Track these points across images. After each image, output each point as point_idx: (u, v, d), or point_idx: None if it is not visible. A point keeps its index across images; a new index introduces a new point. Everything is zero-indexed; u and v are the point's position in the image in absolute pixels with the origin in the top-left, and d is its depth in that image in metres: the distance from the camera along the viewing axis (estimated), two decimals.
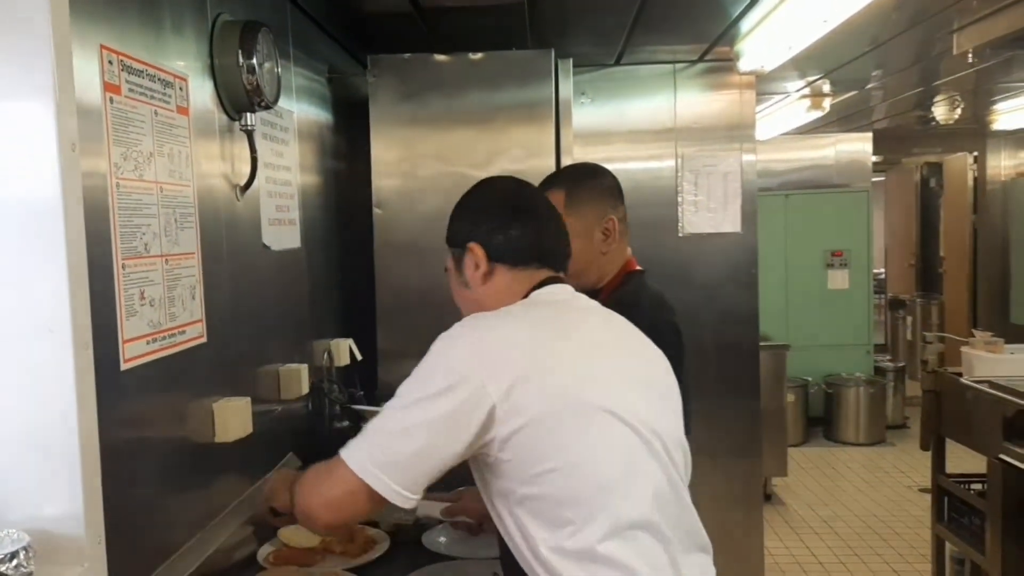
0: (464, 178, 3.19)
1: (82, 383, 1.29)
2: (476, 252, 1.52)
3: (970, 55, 3.30)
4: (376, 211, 3.18)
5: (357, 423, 2.76)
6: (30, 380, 1.27)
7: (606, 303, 2.02)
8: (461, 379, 1.31)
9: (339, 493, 1.35)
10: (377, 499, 1.32)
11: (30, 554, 1.21)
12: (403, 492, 1.31)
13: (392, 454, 1.32)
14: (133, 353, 1.50)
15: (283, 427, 2.42)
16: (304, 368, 2.41)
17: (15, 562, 1.18)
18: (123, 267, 1.48)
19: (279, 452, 2.38)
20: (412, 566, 1.89)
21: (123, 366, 1.47)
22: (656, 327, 1.94)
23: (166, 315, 1.64)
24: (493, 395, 1.29)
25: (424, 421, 1.31)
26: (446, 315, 3.11)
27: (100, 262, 1.40)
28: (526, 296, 1.50)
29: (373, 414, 2.74)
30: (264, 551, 2.00)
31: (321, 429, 2.70)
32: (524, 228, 1.54)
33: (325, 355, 2.71)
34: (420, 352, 3.11)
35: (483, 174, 3.13)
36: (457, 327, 1.42)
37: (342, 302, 3.22)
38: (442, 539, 2.03)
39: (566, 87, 3.26)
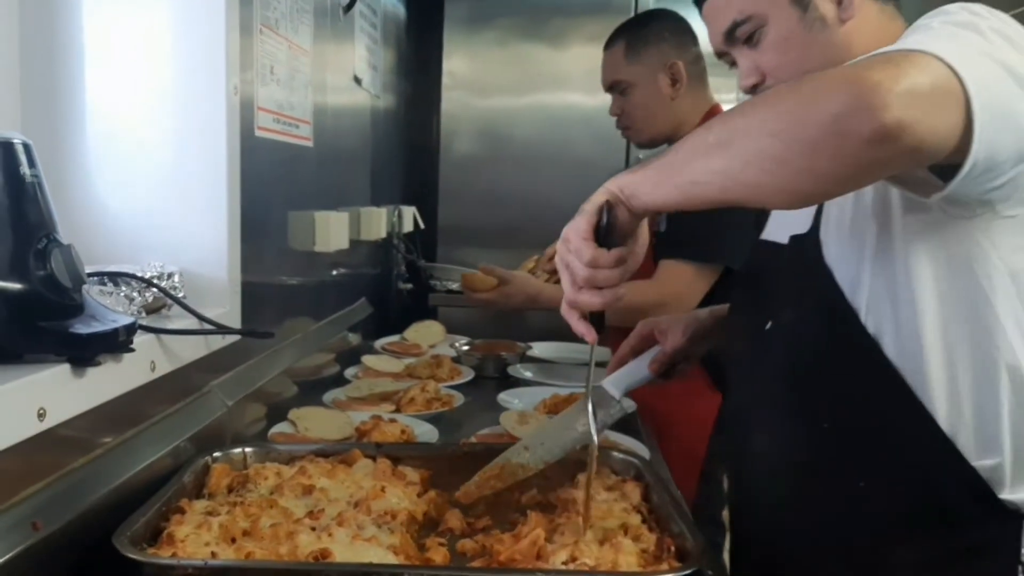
0: (535, 63, 3.17)
1: (231, 122, 1.28)
2: None
3: None
4: (445, 79, 3.15)
5: (426, 282, 2.78)
6: (185, 116, 1.26)
7: None
8: None
9: (926, 83, 0.76)
10: (959, 137, 0.78)
11: (184, 277, 1.21)
12: (978, 148, 0.79)
13: (988, 79, 0.80)
14: (263, 123, 1.49)
15: (360, 268, 2.42)
16: (384, 212, 2.40)
17: (171, 280, 1.19)
18: (260, 32, 1.46)
19: (355, 292, 2.38)
20: (498, 390, 1.89)
21: (256, 132, 1.46)
22: None
23: (287, 102, 1.63)
24: None
25: (1016, 75, 0.82)
26: (509, 196, 3.20)
27: (245, 22, 1.38)
28: None
29: (444, 271, 2.78)
30: (352, 370, 2.00)
31: (389, 284, 2.71)
32: None
33: (396, 213, 2.70)
34: (480, 228, 3.19)
35: (553, 51, 3.19)
36: None
37: (407, 171, 3.21)
38: (528, 373, 2.04)
39: None
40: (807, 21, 1.05)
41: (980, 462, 0.92)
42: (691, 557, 0.93)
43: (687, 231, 1.90)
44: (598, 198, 0.93)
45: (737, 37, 1.09)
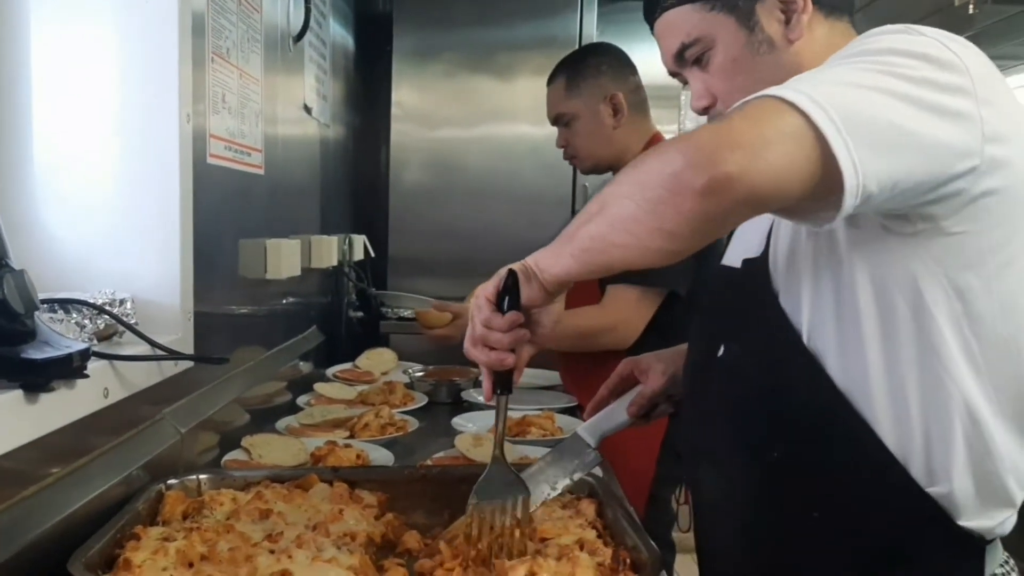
0: (483, 95, 3.22)
1: (184, 149, 1.29)
2: None
3: (971, 6, 3.40)
4: (394, 111, 3.18)
5: (377, 310, 2.78)
6: (137, 145, 1.27)
7: None
8: (962, 87, 0.82)
9: (771, 133, 0.78)
10: (816, 174, 0.78)
11: (135, 305, 1.21)
12: (861, 180, 0.77)
13: (860, 108, 0.79)
14: (215, 151, 1.50)
15: (311, 296, 2.42)
16: (335, 240, 2.41)
17: (123, 307, 1.18)
18: (212, 60, 1.47)
19: (306, 320, 2.37)
20: (451, 415, 1.90)
21: (209, 159, 1.46)
22: None
23: (238, 130, 1.63)
24: (988, 128, 0.82)
25: (910, 96, 0.80)
26: (459, 225, 3.23)
27: (197, 51, 1.39)
28: None
29: (395, 298, 2.79)
30: (304, 398, 1.99)
31: (340, 312, 2.71)
32: None
33: (346, 242, 2.71)
34: (430, 257, 3.20)
35: (501, 83, 3.24)
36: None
37: (356, 200, 3.23)
38: (481, 398, 2.05)
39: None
40: (753, 44, 1.04)
41: (933, 488, 0.90)
42: (646, 569, 0.96)
43: None
44: (513, 266, 0.97)
45: (686, 59, 1.09)
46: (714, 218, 0.81)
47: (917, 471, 0.90)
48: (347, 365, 2.38)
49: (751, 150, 0.77)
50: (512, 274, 0.96)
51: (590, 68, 2.06)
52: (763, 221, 1.03)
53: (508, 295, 0.96)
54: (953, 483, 0.89)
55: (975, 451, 0.89)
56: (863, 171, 0.77)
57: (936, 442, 0.89)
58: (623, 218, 0.84)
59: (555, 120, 2.12)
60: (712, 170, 0.76)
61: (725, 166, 0.76)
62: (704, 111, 1.10)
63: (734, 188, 0.77)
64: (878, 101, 0.80)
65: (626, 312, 1.89)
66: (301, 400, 1.98)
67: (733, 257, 1.13)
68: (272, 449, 1.50)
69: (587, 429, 1.24)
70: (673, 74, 1.14)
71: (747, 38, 1.04)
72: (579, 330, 1.89)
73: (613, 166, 2.10)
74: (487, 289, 0.98)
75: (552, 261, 0.93)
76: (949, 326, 0.88)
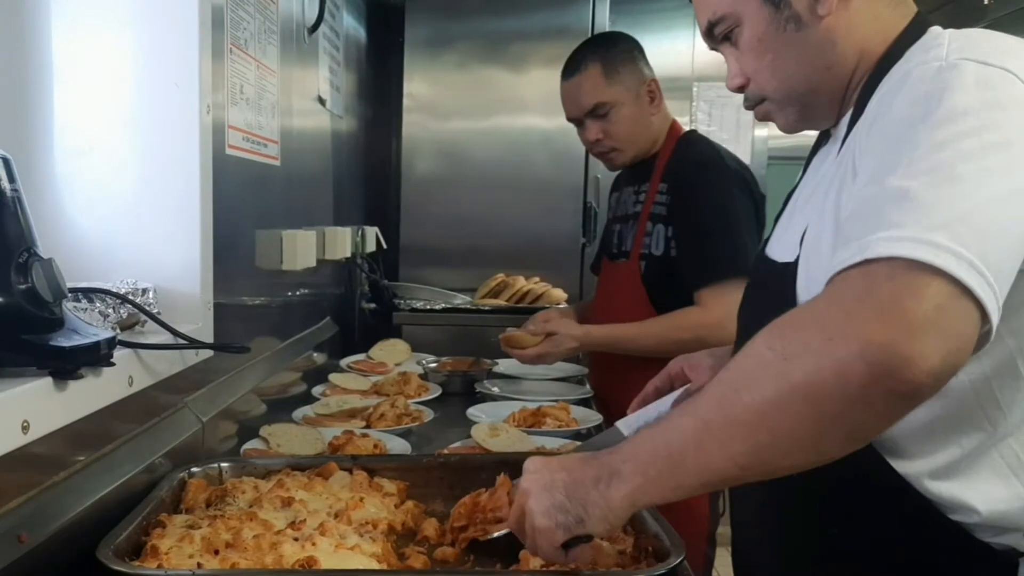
0: (494, 86, 3.22)
1: (204, 140, 1.29)
2: None
3: None
4: (406, 102, 3.17)
5: (389, 301, 2.79)
6: (158, 136, 1.27)
7: (673, 164, 1.96)
8: None
9: (930, 308, 0.69)
10: (974, 324, 0.71)
11: (158, 295, 1.22)
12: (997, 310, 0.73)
13: (996, 236, 0.74)
14: (234, 141, 1.50)
15: (325, 288, 2.43)
16: (348, 232, 2.41)
17: (146, 296, 1.19)
18: (231, 51, 1.47)
19: (320, 311, 2.38)
20: (466, 406, 1.90)
21: (227, 150, 1.47)
22: (747, 182, 1.94)
23: (256, 121, 1.64)
24: None
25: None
26: (470, 216, 3.23)
27: (217, 42, 1.39)
28: (901, 38, 0.96)
29: (408, 290, 2.79)
30: (319, 388, 2.00)
31: (353, 303, 2.71)
32: None
33: (359, 233, 2.71)
34: (441, 248, 3.21)
35: (512, 74, 3.24)
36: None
37: (368, 191, 3.23)
38: (495, 389, 2.06)
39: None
40: (779, 21, 0.98)
41: (957, 516, 0.88)
42: (670, 557, 0.96)
43: (712, 254, 1.85)
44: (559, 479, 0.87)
45: (716, 36, 1.05)
46: (908, 411, 0.73)
47: (938, 499, 0.88)
48: (361, 356, 2.39)
49: (946, 332, 0.69)
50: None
51: (624, 53, 1.99)
52: (798, 222, 1.01)
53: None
54: (981, 512, 0.87)
55: (1010, 477, 0.87)
56: (997, 309, 0.72)
57: (963, 472, 0.87)
58: (797, 436, 0.74)
59: (590, 111, 1.97)
60: (916, 372, 0.67)
61: (927, 361, 0.67)
62: (739, 90, 1.06)
63: (943, 378, 0.69)
64: (1002, 215, 0.74)
65: (732, 307, 1.78)
66: (316, 390, 1.99)
67: (776, 249, 1.09)
68: (290, 438, 1.51)
69: (627, 423, 1.20)
70: (712, 48, 1.09)
71: (772, 15, 0.98)
72: (680, 334, 1.78)
73: (646, 156, 2.03)
74: (551, 536, 0.86)
75: (656, 493, 0.83)
76: (996, 369, 0.85)
